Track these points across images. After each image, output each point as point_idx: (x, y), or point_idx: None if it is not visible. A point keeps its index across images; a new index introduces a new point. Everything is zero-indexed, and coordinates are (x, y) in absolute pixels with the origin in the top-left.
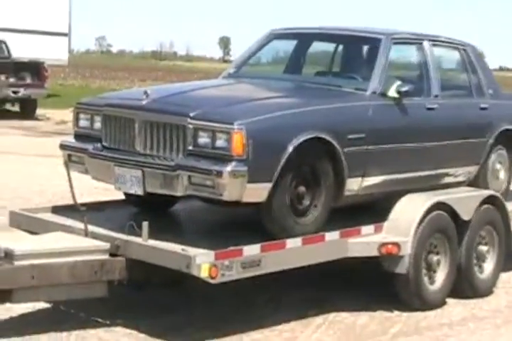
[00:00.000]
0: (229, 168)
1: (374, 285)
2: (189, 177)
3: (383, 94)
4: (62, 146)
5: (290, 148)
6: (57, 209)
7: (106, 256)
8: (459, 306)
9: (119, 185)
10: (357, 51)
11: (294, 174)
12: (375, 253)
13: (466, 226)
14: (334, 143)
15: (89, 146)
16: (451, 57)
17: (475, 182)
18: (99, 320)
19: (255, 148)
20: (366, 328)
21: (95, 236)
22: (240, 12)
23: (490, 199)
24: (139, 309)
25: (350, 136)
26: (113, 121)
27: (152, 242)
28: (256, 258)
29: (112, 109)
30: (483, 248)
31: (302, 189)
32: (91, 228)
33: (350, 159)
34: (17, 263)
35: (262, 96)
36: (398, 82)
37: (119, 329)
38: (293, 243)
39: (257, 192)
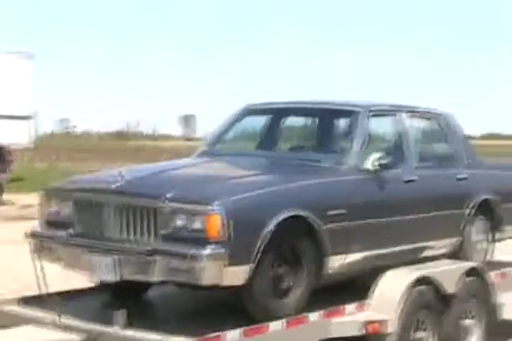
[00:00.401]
0: (206, 251)
1: None
2: (166, 262)
3: (362, 168)
4: (32, 234)
5: (269, 228)
6: (27, 300)
7: None
8: None
9: (93, 273)
10: (334, 125)
11: (274, 254)
12: (360, 332)
13: (451, 300)
14: (314, 220)
15: (61, 233)
16: (428, 127)
17: (456, 254)
18: None
19: (234, 229)
20: None
21: (68, 328)
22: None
23: (472, 272)
24: None
25: (330, 213)
26: (84, 206)
27: (129, 333)
28: None
29: (82, 194)
30: (470, 321)
31: (283, 269)
32: (64, 319)
33: (331, 236)
34: None
35: (238, 174)
36: (377, 155)
37: None
38: (276, 326)
39: (237, 275)
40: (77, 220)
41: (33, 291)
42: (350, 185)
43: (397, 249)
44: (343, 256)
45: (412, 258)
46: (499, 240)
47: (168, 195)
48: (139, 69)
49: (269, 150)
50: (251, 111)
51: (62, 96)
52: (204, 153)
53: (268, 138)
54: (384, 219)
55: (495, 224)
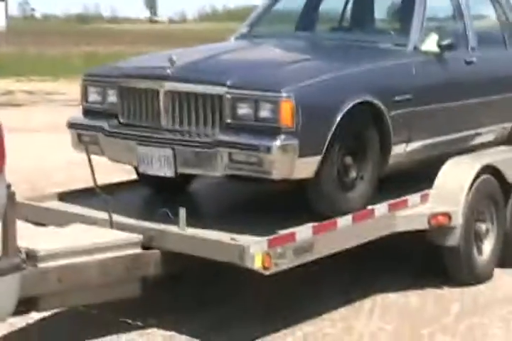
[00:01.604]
0: (278, 141)
1: (412, 260)
2: (230, 154)
3: (423, 49)
4: (71, 125)
5: (339, 115)
6: (68, 196)
7: (138, 250)
8: (506, 277)
9: (144, 167)
10: (393, 3)
11: (341, 144)
12: (424, 225)
13: (511, 191)
14: (381, 106)
15: (104, 124)
16: (482, 4)
17: (507, 140)
18: (129, 321)
19: (304, 118)
20: (423, 310)
21: (122, 227)
22: None
23: None
24: (174, 306)
25: (396, 98)
26: (132, 93)
27: (191, 231)
28: (308, 242)
29: (130, 80)
30: None
31: (349, 160)
32: (115, 217)
33: (396, 123)
34: (42, 265)
35: (297, 58)
36: (438, 34)
37: (156, 332)
38: (344, 221)
39: (306, 167)
40: (124, 109)
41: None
42: (414, 68)
43: (458, 135)
44: (406, 144)
45: (471, 145)
46: None
47: (232, 81)
48: None
49: (318, 31)
50: None
51: None
52: (245, 36)
53: (313, 18)
54: (446, 104)
55: None
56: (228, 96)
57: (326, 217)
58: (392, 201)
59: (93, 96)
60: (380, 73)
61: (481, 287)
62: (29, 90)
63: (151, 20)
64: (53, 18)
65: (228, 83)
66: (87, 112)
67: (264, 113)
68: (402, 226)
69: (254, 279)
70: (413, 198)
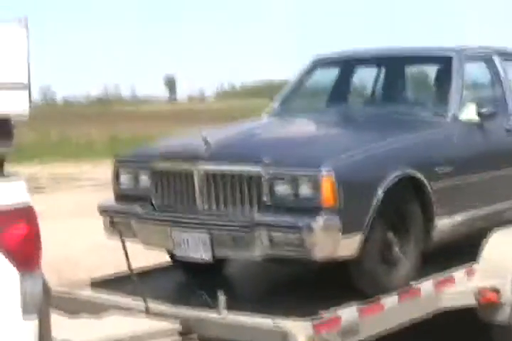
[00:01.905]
0: (320, 220)
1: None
2: (269, 235)
3: (463, 119)
4: (103, 210)
5: (381, 190)
6: (100, 283)
7: (176, 338)
8: None
9: (180, 251)
10: (424, 73)
11: (383, 220)
12: (472, 302)
13: None
14: (423, 180)
15: (137, 208)
16: None
17: None
18: None
19: (345, 194)
20: None
21: (159, 314)
22: (184, 49)
23: None
24: None
25: (438, 171)
26: (165, 176)
27: (231, 317)
28: (354, 324)
29: (163, 162)
30: None
31: (391, 236)
32: (151, 304)
33: (438, 197)
34: None
35: (334, 133)
36: (476, 104)
37: None
38: (390, 301)
39: (349, 246)
40: (158, 192)
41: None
42: (455, 138)
43: (501, 206)
44: (449, 218)
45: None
46: None
47: (268, 159)
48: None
49: (350, 105)
50: (321, 64)
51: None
52: (277, 113)
53: (346, 93)
54: (488, 174)
55: None
56: (265, 175)
57: (368, 294)
58: (438, 278)
59: (125, 180)
60: (420, 145)
61: None
62: (52, 174)
63: (171, 100)
64: (75, 102)
65: (265, 161)
66: (119, 196)
67: (304, 190)
68: (448, 304)
69: None
70: (459, 274)
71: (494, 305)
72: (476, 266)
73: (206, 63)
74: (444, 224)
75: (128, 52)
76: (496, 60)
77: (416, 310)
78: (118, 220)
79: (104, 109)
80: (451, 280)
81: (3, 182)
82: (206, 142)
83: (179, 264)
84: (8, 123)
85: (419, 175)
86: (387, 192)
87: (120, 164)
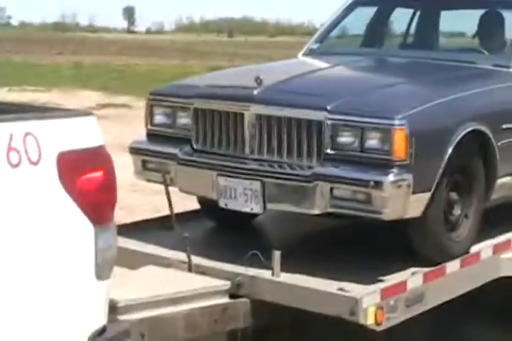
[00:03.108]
0: (391, 176)
1: None
2: (331, 189)
3: None
4: (135, 150)
5: (451, 146)
6: (135, 230)
7: (226, 299)
8: None
9: (226, 201)
10: (485, 17)
11: (449, 178)
12: None
13: None
14: (490, 135)
15: (176, 150)
16: None
17: None
18: None
19: (417, 150)
20: None
21: (204, 271)
22: None
23: None
24: None
25: (504, 126)
26: (210, 117)
27: (287, 277)
28: (419, 291)
29: (208, 101)
30: None
31: (454, 196)
32: (195, 259)
33: (503, 154)
34: (122, 317)
35: (397, 80)
36: None
37: None
38: (452, 267)
39: (417, 206)
40: (199, 134)
41: None
42: None
43: None
44: (511, 177)
45: None
46: None
47: (334, 105)
48: None
49: (402, 48)
50: (363, 2)
51: None
52: (316, 52)
53: (394, 35)
54: None
55: None
56: (329, 122)
57: (428, 259)
58: (496, 243)
59: (160, 119)
60: (488, 98)
61: None
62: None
63: (129, 31)
64: (30, 26)
65: (329, 108)
66: (153, 136)
67: (373, 143)
68: (507, 271)
69: None
70: None
71: None
72: None
73: None
74: (505, 182)
75: None
76: None
77: (476, 276)
78: (152, 162)
79: (61, 34)
80: (509, 245)
81: (74, 120)
82: (259, 82)
83: (208, 212)
84: None
85: (486, 131)
86: (456, 148)
87: (156, 99)
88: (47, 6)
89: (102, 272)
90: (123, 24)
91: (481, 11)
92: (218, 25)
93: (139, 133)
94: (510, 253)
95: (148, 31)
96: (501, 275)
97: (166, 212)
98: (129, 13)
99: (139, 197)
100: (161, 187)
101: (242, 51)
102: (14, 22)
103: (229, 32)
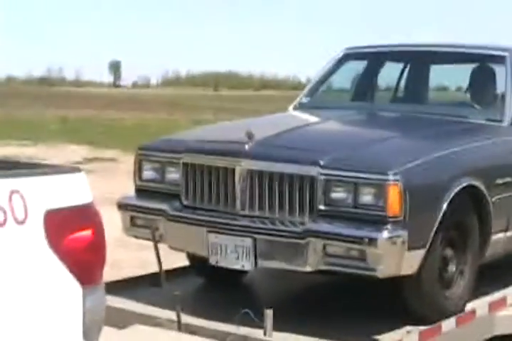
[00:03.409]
0: (385, 233)
1: None
2: (324, 246)
3: None
4: (123, 206)
5: (446, 201)
6: (122, 287)
7: None
8: None
9: (217, 258)
10: (475, 72)
11: (444, 234)
12: None
13: None
14: (484, 191)
15: (165, 206)
16: None
17: None
18: None
19: (411, 205)
20: None
21: (194, 330)
22: (130, 35)
23: None
24: None
25: (498, 181)
26: (200, 172)
27: (280, 336)
28: None
29: (198, 156)
30: None
31: (449, 252)
32: (185, 318)
33: (497, 209)
34: None
35: (392, 135)
36: None
37: None
38: (448, 325)
39: (411, 263)
40: (189, 190)
41: None
42: None
43: None
44: (505, 233)
45: None
46: None
47: (326, 161)
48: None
49: (394, 103)
50: (353, 57)
51: None
52: (306, 106)
53: (385, 89)
54: None
55: None
56: (322, 177)
57: (423, 317)
58: (491, 300)
59: (149, 174)
60: (481, 153)
61: None
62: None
63: (115, 85)
64: (16, 80)
65: (322, 163)
66: (142, 191)
67: (367, 198)
68: (502, 330)
69: None
70: (509, 294)
71: None
72: None
73: (153, 51)
74: (500, 239)
75: (75, 35)
76: None
77: (471, 335)
78: (141, 218)
79: (48, 89)
80: (504, 302)
81: (63, 177)
82: (251, 137)
83: (199, 269)
84: None
85: (481, 186)
86: (450, 204)
87: (145, 154)
88: (33, 60)
89: (90, 333)
90: (109, 78)
91: (472, 66)
92: (204, 79)
93: (126, 187)
94: (505, 311)
95: (134, 85)
96: (496, 333)
97: (154, 267)
98: (115, 67)
99: (126, 253)
100: (148, 242)
101: (227, 105)
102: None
103: (214, 86)
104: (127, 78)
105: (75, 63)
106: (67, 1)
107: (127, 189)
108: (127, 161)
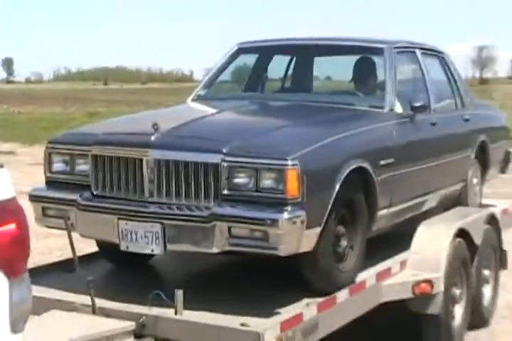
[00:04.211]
0: (285, 214)
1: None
2: (229, 229)
3: (398, 112)
4: (34, 197)
5: (338, 182)
6: (36, 273)
7: (132, 340)
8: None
9: (127, 244)
10: (358, 64)
11: (337, 213)
12: (409, 294)
13: (476, 252)
14: (371, 172)
15: (75, 196)
16: (435, 67)
17: (458, 200)
18: None
19: (308, 187)
20: None
21: (108, 313)
22: (23, 33)
23: (491, 219)
24: None
25: (382, 163)
26: (109, 163)
27: (190, 315)
28: (314, 321)
29: (106, 148)
30: (487, 272)
31: (341, 229)
32: (98, 301)
33: (381, 188)
34: None
35: (285, 123)
36: (409, 97)
37: None
38: (342, 296)
39: (309, 240)
40: (99, 180)
41: None
42: (394, 130)
43: (426, 197)
44: (388, 209)
45: (432, 207)
46: (485, 182)
47: (228, 148)
48: None
49: (283, 92)
50: (245, 50)
51: None
52: (204, 97)
53: (277, 80)
54: (420, 166)
55: (485, 167)
56: (225, 164)
57: (319, 290)
58: (378, 271)
59: (59, 166)
60: (367, 137)
61: None
62: None
63: (8, 81)
64: None
65: (225, 150)
66: (52, 183)
67: (267, 183)
68: (388, 296)
69: None
70: (395, 266)
71: (427, 297)
72: (409, 259)
73: (44, 48)
74: (383, 214)
75: None
76: (419, 55)
77: (361, 304)
78: (52, 209)
79: None
80: (389, 272)
81: None
82: (156, 128)
83: (106, 253)
84: None
85: (368, 167)
86: (342, 185)
87: (54, 147)
88: None
89: (17, 325)
90: (2, 74)
91: (355, 57)
92: (94, 74)
93: (30, 179)
94: (389, 280)
95: (27, 81)
96: (383, 300)
97: (59, 253)
98: (8, 63)
99: (34, 241)
100: (55, 230)
101: (118, 98)
102: None
103: (104, 80)
104: (20, 74)
105: None
106: None
107: (33, 181)
108: (26, 153)
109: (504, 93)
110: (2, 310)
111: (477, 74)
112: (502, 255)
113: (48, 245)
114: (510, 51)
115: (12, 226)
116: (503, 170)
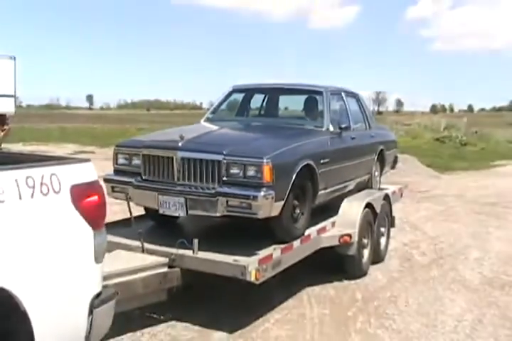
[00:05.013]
0: (262, 193)
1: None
2: (227, 201)
3: (331, 130)
4: (106, 180)
5: (294, 174)
6: (111, 228)
7: (166, 269)
8: (376, 271)
9: (163, 210)
10: (308, 100)
11: (293, 192)
12: (336, 243)
13: (376, 217)
14: (315, 167)
15: (132, 179)
16: (353, 103)
17: (366, 185)
18: (154, 315)
19: (276, 176)
20: (341, 298)
21: (152, 252)
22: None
23: (385, 197)
24: (176, 305)
25: (322, 161)
26: (152, 159)
27: (202, 254)
28: (279, 259)
29: (151, 150)
30: (383, 229)
31: (296, 202)
32: (146, 245)
33: (321, 177)
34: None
35: (263, 135)
36: (339, 121)
37: (176, 324)
38: (296, 243)
39: (277, 209)
40: (146, 170)
41: None
42: (329, 141)
43: (347, 183)
44: (324, 190)
45: (351, 189)
46: (382, 175)
47: (227, 151)
48: None
49: (264, 117)
50: (237, 90)
51: None
52: (211, 119)
53: (257, 109)
54: (343, 164)
55: (382, 165)
56: (224, 161)
57: (282, 240)
58: (318, 227)
59: (122, 161)
60: (313, 145)
61: (366, 279)
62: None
63: (89, 108)
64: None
65: (225, 152)
66: (117, 171)
67: (251, 173)
68: (324, 244)
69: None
70: (328, 225)
71: (348, 244)
72: (337, 221)
73: (111, 85)
74: (322, 193)
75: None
76: (343, 95)
77: (308, 249)
78: (117, 187)
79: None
80: (325, 229)
81: (80, 164)
82: (182, 137)
83: (151, 216)
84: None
85: (313, 164)
86: (297, 175)
87: (119, 149)
88: None
89: (98, 258)
90: (86, 104)
91: (305, 96)
92: (141, 103)
93: (103, 169)
94: (325, 234)
95: (101, 108)
96: (321, 246)
97: (124, 215)
98: (90, 98)
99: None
100: (118, 200)
101: (156, 119)
102: None
103: (147, 108)
104: (96, 103)
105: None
106: None
107: (106, 170)
108: (102, 152)
109: (391, 120)
110: (89, 249)
111: (376, 109)
112: (391, 219)
113: (113, 210)
114: (396, 94)
115: (95, 197)
116: (392, 167)
